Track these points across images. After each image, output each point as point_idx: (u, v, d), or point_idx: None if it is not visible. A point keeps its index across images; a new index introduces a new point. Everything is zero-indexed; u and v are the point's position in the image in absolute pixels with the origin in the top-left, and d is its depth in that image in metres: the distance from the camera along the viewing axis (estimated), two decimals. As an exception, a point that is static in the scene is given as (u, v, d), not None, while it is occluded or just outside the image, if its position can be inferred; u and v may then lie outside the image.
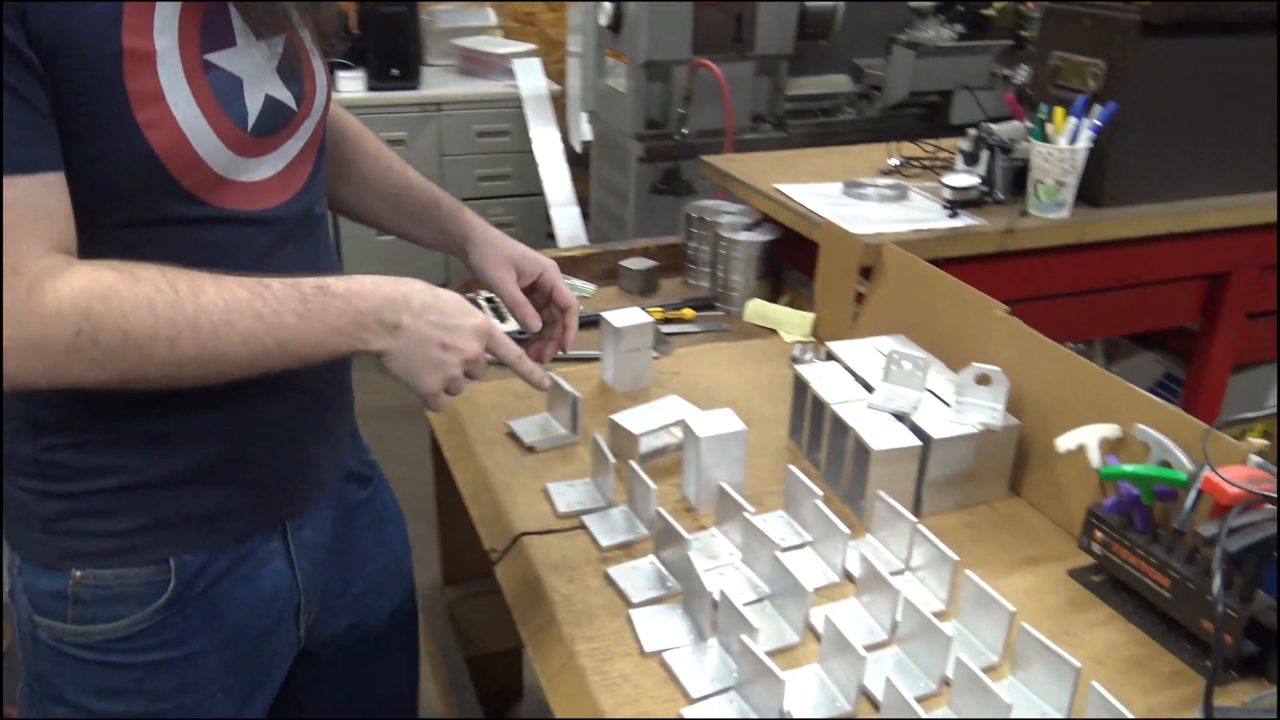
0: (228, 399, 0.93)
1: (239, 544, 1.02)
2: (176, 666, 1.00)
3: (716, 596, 1.05)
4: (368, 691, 1.28)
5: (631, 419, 1.38)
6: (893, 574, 1.16)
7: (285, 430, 1.02)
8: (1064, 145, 1.75)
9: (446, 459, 1.50)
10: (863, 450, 1.25)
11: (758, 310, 1.83)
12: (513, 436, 1.45)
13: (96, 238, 0.83)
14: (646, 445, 1.39)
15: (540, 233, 4.13)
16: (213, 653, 1.02)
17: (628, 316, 1.56)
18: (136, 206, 0.85)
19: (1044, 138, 1.77)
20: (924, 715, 0.91)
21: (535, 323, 1.17)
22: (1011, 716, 0.91)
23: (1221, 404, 2.17)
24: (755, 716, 0.96)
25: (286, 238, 0.97)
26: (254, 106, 0.89)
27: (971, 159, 1.84)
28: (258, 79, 0.89)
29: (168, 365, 0.81)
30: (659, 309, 1.84)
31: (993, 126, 1.83)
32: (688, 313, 1.85)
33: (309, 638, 1.15)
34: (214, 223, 0.89)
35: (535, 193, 4.03)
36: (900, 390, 1.34)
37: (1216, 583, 0.94)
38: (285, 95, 0.93)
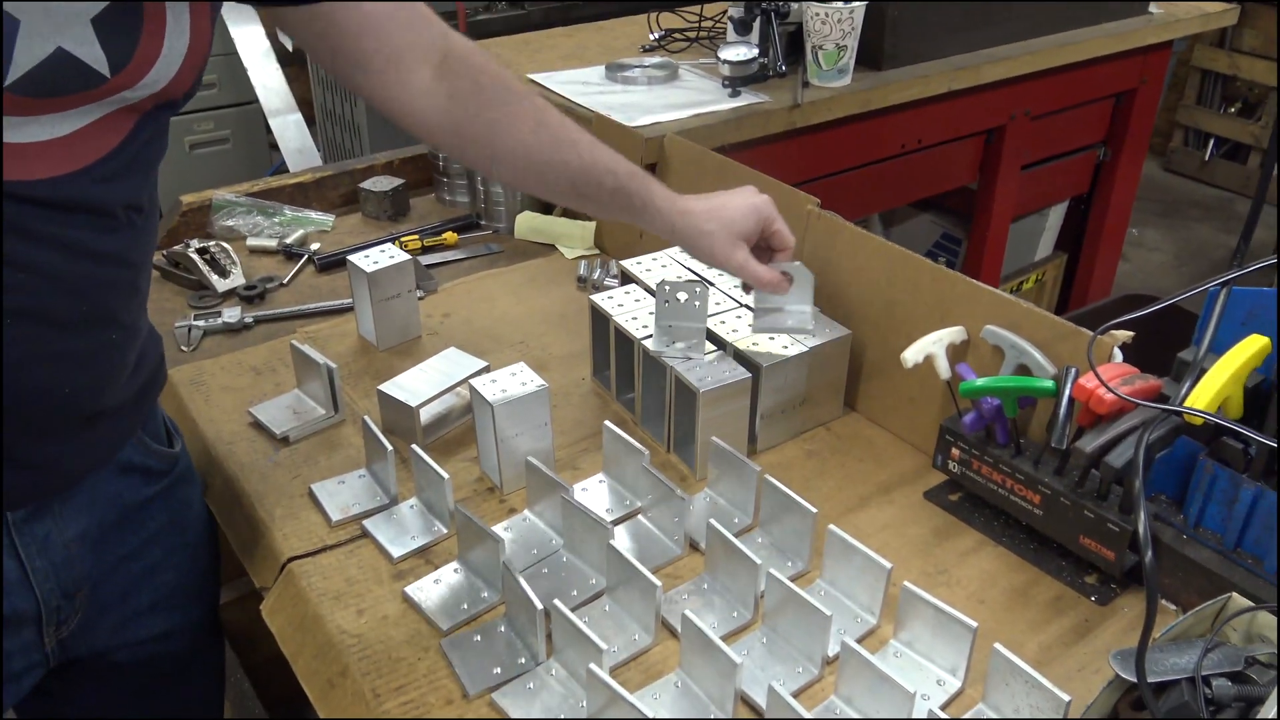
0: None
1: None
2: None
3: (543, 604, 0.86)
4: (163, 714, 1.12)
5: (404, 387, 1.14)
6: (741, 533, 1.01)
7: None
8: (841, 4, 1.59)
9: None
10: (687, 391, 1.07)
11: (530, 224, 1.60)
12: (259, 426, 1.17)
13: None
14: (428, 415, 1.15)
15: (261, 144, 3.65)
16: None
17: (380, 256, 1.30)
18: None
19: (819, -3, 1.60)
20: (809, 717, 0.77)
21: (786, 286, 1.09)
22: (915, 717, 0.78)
23: (1003, 259, 2.15)
24: (619, 759, 0.78)
25: (55, 224, 0.74)
26: (28, 58, 0.67)
27: (744, 27, 1.65)
28: (52, 26, 0.67)
29: None
30: (414, 236, 1.57)
31: (762, -11, 1.64)
32: (450, 237, 1.59)
33: (70, 650, 0.97)
34: None
35: (248, 100, 3.54)
36: (680, 325, 1.13)
37: (1141, 524, 0.81)
38: (94, 55, 0.70)
